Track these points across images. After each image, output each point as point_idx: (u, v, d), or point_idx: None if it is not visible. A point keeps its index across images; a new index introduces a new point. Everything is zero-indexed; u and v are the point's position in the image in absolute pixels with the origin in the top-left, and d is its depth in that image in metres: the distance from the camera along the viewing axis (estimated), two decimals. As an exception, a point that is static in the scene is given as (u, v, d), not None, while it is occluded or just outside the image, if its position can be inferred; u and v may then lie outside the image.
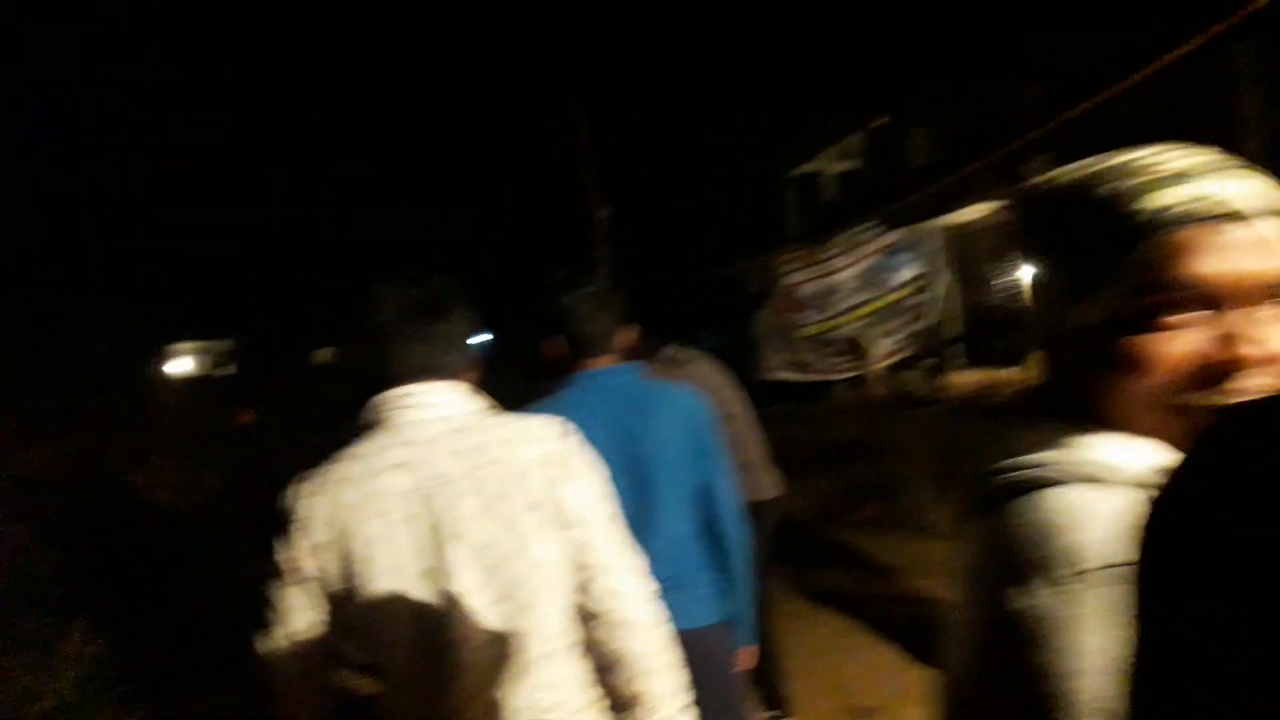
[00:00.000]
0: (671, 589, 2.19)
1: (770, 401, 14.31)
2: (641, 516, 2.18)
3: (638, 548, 1.63)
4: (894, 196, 14.41)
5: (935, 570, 5.67)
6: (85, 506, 6.68)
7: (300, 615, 1.39)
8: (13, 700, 3.67)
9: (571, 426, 1.52)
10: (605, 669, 1.45)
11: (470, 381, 1.52)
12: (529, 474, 1.39)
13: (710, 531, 2.25)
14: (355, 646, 1.41)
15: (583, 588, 1.43)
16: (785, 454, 3.91)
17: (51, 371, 11.92)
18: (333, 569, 1.37)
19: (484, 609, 1.34)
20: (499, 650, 1.35)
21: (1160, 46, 7.58)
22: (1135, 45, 7.96)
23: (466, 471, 1.37)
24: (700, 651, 2.16)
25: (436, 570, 1.34)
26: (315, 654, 1.40)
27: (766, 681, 3.66)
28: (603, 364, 2.23)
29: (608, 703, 1.47)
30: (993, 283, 13.99)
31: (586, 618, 1.44)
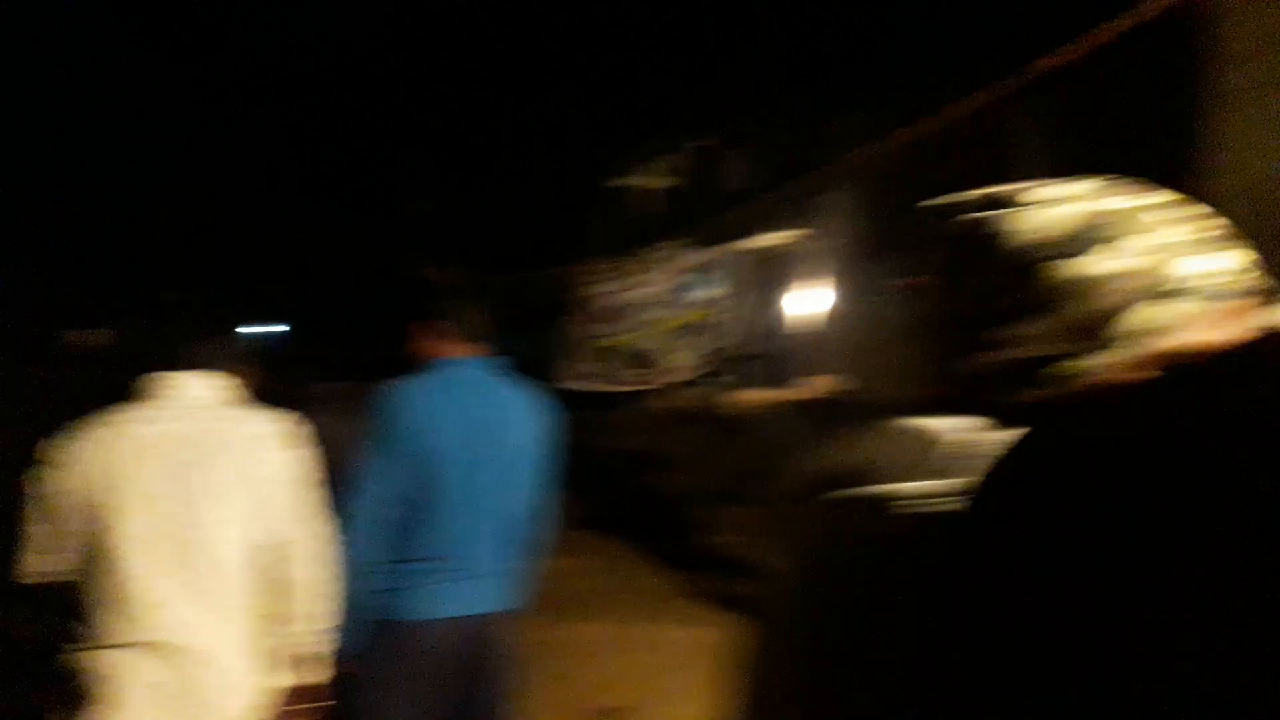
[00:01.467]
0: (469, 575, 2.31)
1: (571, 410, 14.42)
2: (463, 498, 2.31)
3: (454, 522, 2.26)
4: (705, 216, 14.82)
5: (697, 574, 5.86)
6: None
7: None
8: None
9: (292, 418, 2.07)
10: (275, 591, 1.95)
11: (236, 374, 2.08)
12: (236, 444, 1.97)
13: (515, 527, 2.37)
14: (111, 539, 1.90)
15: (265, 528, 1.95)
16: (579, 462, 3.98)
17: None
18: (96, 489, 1.90)
19: (195, 524, 1.90)
20: (205, 553, 1.91)
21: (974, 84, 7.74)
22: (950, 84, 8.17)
23: (203, 434, 1.95)
24: (481, 637, 2.32)
25: (171, 494, 1.92)
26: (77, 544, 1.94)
27: None
28: (461, 353, 2.36)
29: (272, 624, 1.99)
30: (778, 308, 14.61)
31: (266, 550, 1.96)
